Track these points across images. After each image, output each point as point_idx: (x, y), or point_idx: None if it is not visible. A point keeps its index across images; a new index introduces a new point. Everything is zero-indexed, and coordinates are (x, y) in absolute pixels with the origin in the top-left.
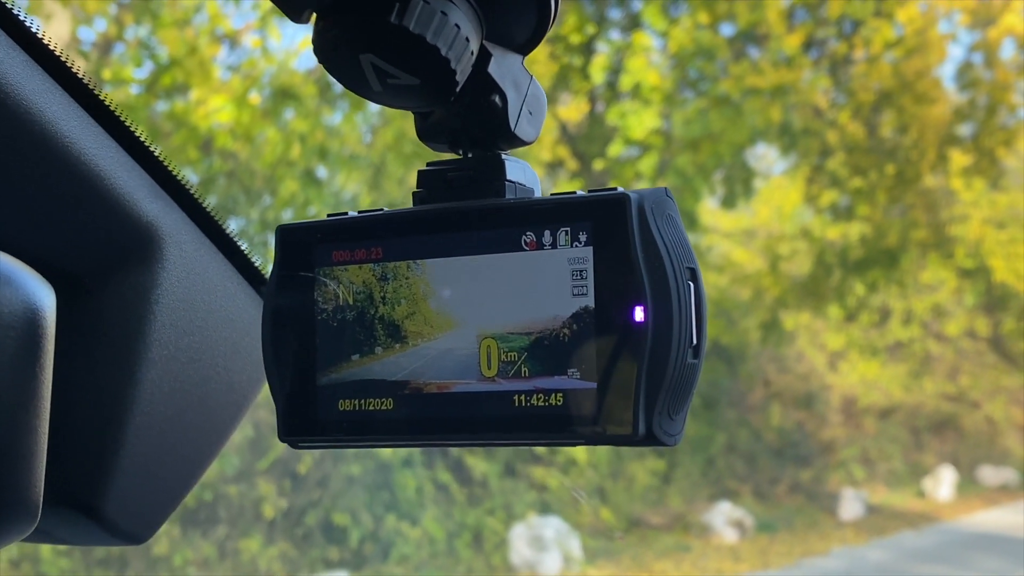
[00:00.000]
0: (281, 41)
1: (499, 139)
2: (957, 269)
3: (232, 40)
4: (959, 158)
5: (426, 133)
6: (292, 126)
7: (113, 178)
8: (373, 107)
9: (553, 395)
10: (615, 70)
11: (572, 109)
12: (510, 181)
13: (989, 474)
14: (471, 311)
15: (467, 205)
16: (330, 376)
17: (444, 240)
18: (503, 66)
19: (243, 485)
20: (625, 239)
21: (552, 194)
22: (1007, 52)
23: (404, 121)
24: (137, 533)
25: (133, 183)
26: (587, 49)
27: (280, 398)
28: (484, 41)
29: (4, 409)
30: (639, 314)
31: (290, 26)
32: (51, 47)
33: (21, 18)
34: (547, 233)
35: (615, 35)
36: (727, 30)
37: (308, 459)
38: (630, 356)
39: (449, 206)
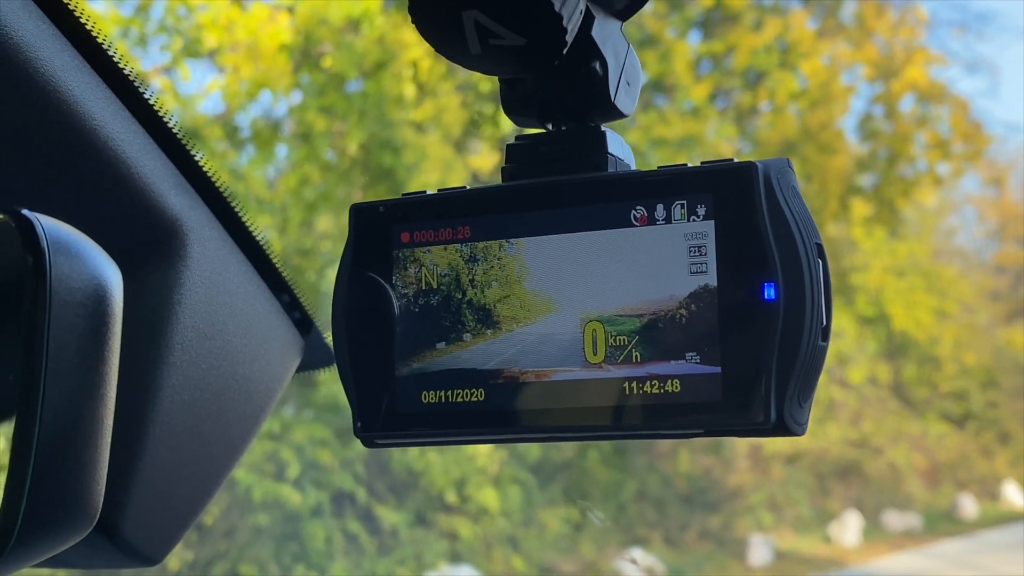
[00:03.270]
0: (190, 82)
1: (596, 110)
2: (858, 317)
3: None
4: (860, 207)
5: (513, 105)
6: None
7: (140, 167)
8: (280, 151)
9: (670, 381)
10: None
11: (483, 157)
12: (611, 155)
13: (894, 519)
14: (573, 293)
15: (568, 179)
16: (411, 366)
17: (541, 217)
18: (605, 31)
19: None
20: (752, 212)
21: (660, 166)
22: (907, 105)
23: (308, 166)
24: (152, 554)
25: (159, 173)
26: (496, 97)
27: (354, 392)
28: (587, 2)
29: (69, 393)
30: (769, 292)
31: (200, 69)
32: (83, 21)
33: None
34: (660, 207)
35: None
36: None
37: (215, 510)
38: (759, 338)
39: (548, 180)
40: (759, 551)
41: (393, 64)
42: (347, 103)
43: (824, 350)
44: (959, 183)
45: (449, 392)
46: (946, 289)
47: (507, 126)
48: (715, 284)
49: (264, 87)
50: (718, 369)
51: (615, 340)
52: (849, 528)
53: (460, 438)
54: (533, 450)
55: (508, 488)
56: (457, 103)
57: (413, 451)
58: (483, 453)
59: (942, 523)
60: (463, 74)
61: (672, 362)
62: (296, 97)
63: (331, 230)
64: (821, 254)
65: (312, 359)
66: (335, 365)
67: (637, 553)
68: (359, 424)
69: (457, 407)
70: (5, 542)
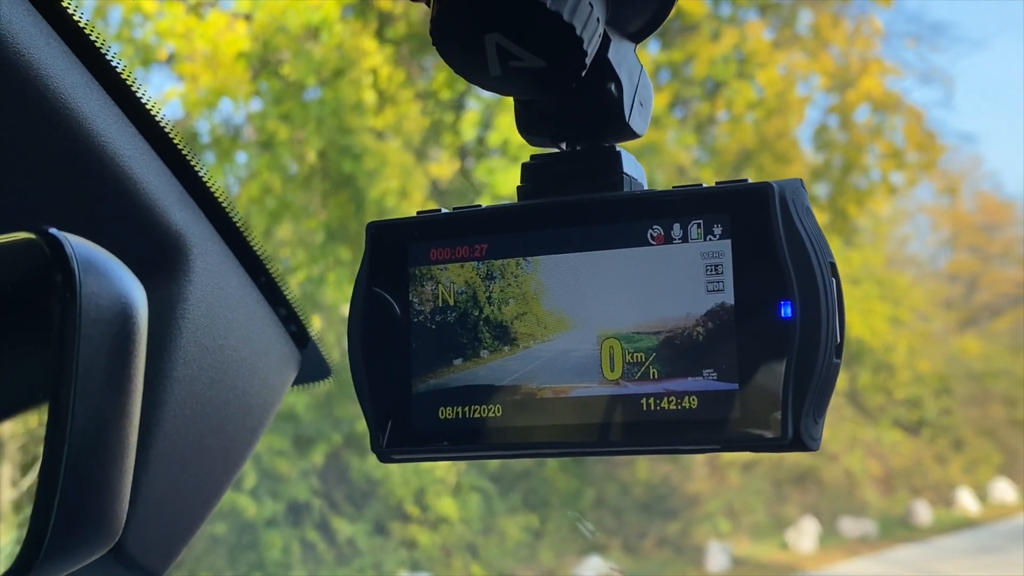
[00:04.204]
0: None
1: (610, 131)
2: None
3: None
4: (815, 217)
5: (528, 124)
6: None
7: (145, 182)
8: (240, 159)
9: (687, 398)
10: (484, 126)
11: (443, 165)
12: (627, 175)
13: (849, 525)
14: (590, 310)
15: (585, 198)
16: (428, 383)
17: (558, 235)
18: (620, 53)
19: None
20: (769, 232)
21: (675, 186)
22: (862, 115)
23: (269, 175)
24: (154, 568)
25: (164, 188)
26: (457, 105)
27: (370, 408)
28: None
29: (97, 411)
30: (786, 310)
31: (157, 76)
32: (93, 38)
33: (63, 4)
34: (676, 226)
35: (485, 92)
36: None
37: None
38: (776, 355)
39: (565, 199)
40: (716, 558)
41: (352, 71)
42: (306, 110)
43: (838, 367)
44: (913, 192)
45: (466, 408)
46: (900, 297)
47: (468, 134)
48: (732, 302)
49: (223, 95)
50: (735, 386)
51: (632, 357)
52: (805, 534)
53: (477, 454)
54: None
55: (467, 497)
56: (418, 110)
57: (372, 459)
58: (442, 463)
59: (897, 529)
60: (423, 81)
61: (690, 379)
62: (255, 105)
63: (290, 238)
64: (834, 272)
65: (308, 372)
66: (330, 378)
67: (595, 561)
68: (376, 440)
69: (474, 423)
70: (33, 558)
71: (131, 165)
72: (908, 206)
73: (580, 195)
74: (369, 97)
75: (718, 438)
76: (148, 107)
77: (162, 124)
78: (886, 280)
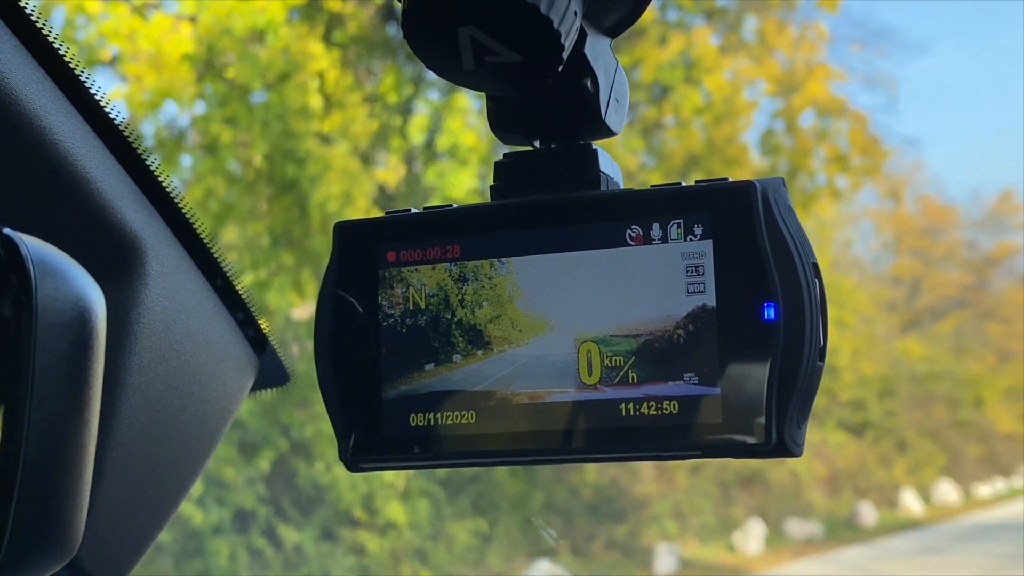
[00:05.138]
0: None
1: (586, 128)
2: None
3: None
4: None
5: (500, 122)
6: None
7: (99, 181)
8: (185, 162)
9: (667, 403)
10: (433, 130)
11: (390, 171)
12: (604, 173)
13: (795, 527)
14: (567, 313)
15: (562, 197)
16: (398, 388)
17: (534, 236)
18: (596, 48)
19: None
20: (752, 232)
21: (653, 185)
22: (808, 120)
23: (213, 178)
24: None
25: (119, 188)
26: (405, 109)
27: (338, 415)
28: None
29: (54, 419)
30: (769, 312)
31: (101, 77)
32: (45, 33)
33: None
34: (656, 226)
35: (434, 95)
36: None
37: None
38: (759, 358)
39: (540, 199)
40: (664, 560)
41: (298, 75)
42: (251, 114)
43: (821, 370)
44: (857, 196)
45: (438, 415)
46: (844, 300)
47: (416, 138)
48: (714, 304)
49: (167, 97)
50: (717, 390)
51: (611, 361)
52: (752, 536)
53: (449, 462)
54: None
55: (416, 501)
56: (365, 114)
57: (319, 466)
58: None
59: (842, 530)
60: (371, 85)
61: (670, 383)
62: (200, 107)
63: (236, 241)
64: (817, 274)
65: (266, 378)
66: (289, 384)
67: (544, 564)
68: (344, 447)
69: (446, 430)
70: None
71: (84, 164)
72: (852, 210)
73: (556, 194)
74: (315, 101)
75: (699, 444)
76: (101, 104)
77: (116, 121)
78: (830, 283)
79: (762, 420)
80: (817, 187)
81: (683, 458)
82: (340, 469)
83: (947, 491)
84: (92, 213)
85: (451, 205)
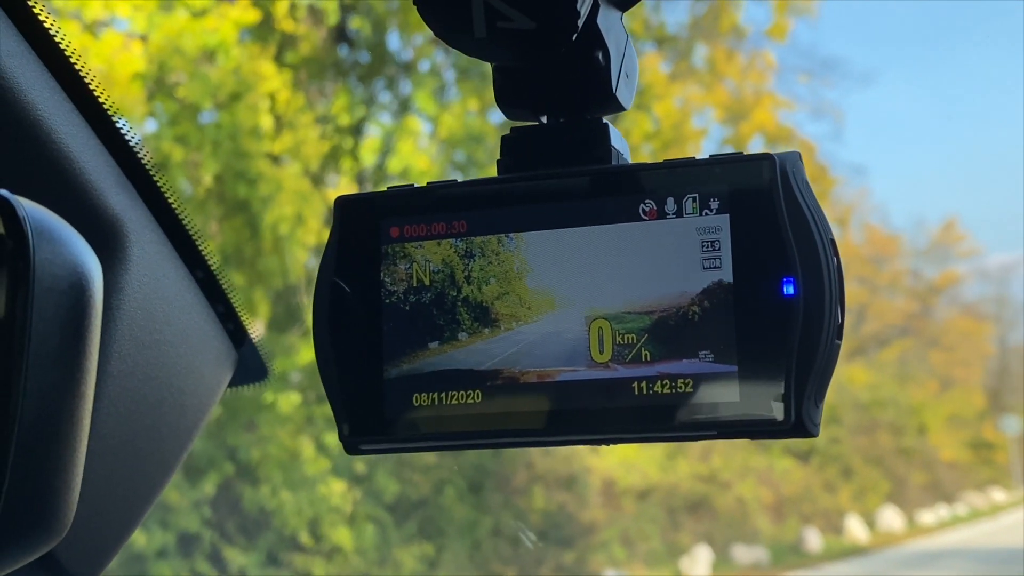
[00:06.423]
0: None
1: (596, 102)
2: None
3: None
4: None
5: (507, 95)
6: None
7: (82, 162)
8: None
9: (681, 381)
10: (384, 152)
11: (341, 191)
12: (614, 147)
13: (742, 552)
14: (577, 289)
15: (573, 171)
16: (401, 367)
17: (544, 211)
18: (608, 20)
19: None
20: (770, 205)
21: (666, 159)
22: (756, 147)
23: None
24: (84, 575)
25: (101, 170)
26: (356, 131)
27: (338, 395)
28: None
29: (50, 389)
30: (788, 288)
31: None
32: (33, 8)
33: None
34: (671, 200)
35: (385, 118)
36: (496, 117)
37: None
38: (778, 335)
39: (551, 172)
40: None
41: (249, 95)
42: (201, 133)
43: (838, 348)
44: None
45: (442, 394)
46: None
47: (368, 159)
48: (730, 280)
49: (117, 115)
50: (735, 368)
51: (623, 338)
52: (699, 562)
53: (454, 443)
54: (390, 487)
55: (363, 526)
56: (316, 136)
57: (264, 490)
58: (337, 492)
59: (788, 556)
60: (322, 106)
61: (685, 360)
62: (150, 126)
63: None
64: (835, 250)
65: (245, 373)
66: (266, 380)
67: None
68: (343, 429)
69: (451, 410)
70: None
71: (68, 143)
72: None
73: (567, 168)
74: (266, 121)
75: (715, 423)
76: (87, 81)
77: (102, 100)
78: None
79: (780, 399)
80: None
81: (698, 438)
82: (286, 493)
83: (891, 518)
84: (76, 196)
85: (456, 180)
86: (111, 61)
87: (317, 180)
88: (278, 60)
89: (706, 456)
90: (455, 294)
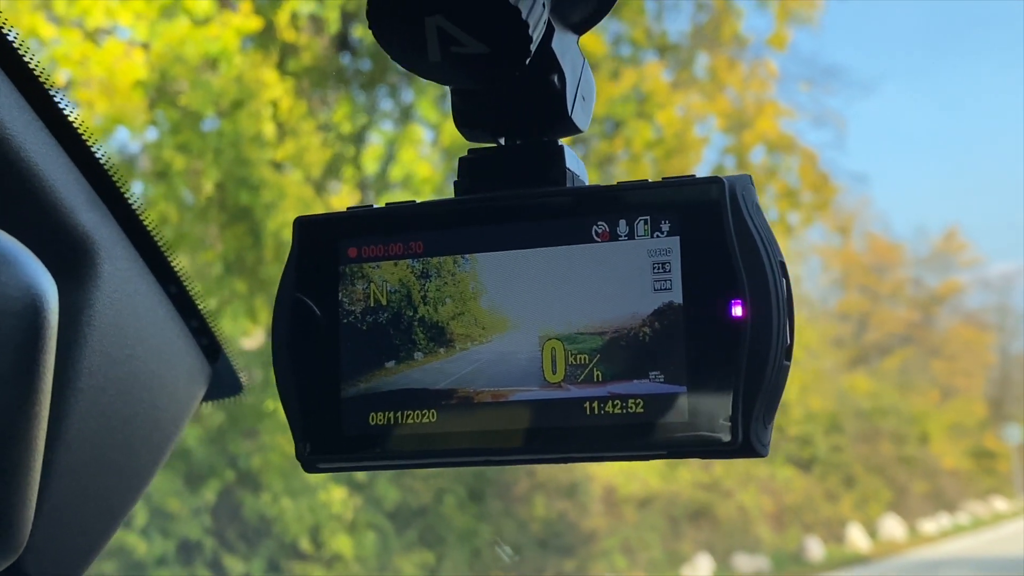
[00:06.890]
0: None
1: (552, 125)
2: None
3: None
4: None
5: (465, 117)
6: None
7: (51, 179)
8: (136, 189)
9: (632, 401)
10: (387, 160)
11: (343, 198)
12: (569, 170)
13: (743, 561)
14: (531, 310)
15: (528, 193)
16: (358, 386)
17: (499, 232)
18: (563, 44)
19: None
20: (720, 228)
21: (620, 182)
22: (758, 156)
23: (166, 205)
24: None
25: (72, 187)
26: (359, 139)
27: (296, 414)
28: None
29: (2, 411)
30: (736, 310)
31: None
32: None
33: None
34: (623, 223)
35: (387, 126)
36: None
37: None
38: (726, 356)
39: (505, 194)
40: None
41: (251, 103)
42: (203, 141)
43: (787, 369)
44: (805, 232)
45: (398, 413)
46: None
47: (370, 167)
48: (680, 301)
49: (119, 123)
50: (684, 388)
51: (575, 359)
52: (700, 571)
53: (409, 462)
54: (390, 495)
55: (363, 534)
56: (318, 143)
57: (265, 497)
58: (338, 500)
59: (790, 565)
60: (324, 114)
61: (635, 381)
62: (152, 134)
63: (187, 269)
64: (784, 272)
65: (219, 388)
66: (240, 395)
67: None
68: (301, 448)
69: (407, 429)
70: None
71: (37, 160)
72: (800, 246)
73: (522, 190)
74: (269, 129)
75: (665, 443)
76: (56, 100)
77: (71, 119)
78: None
79: (728, 419)
80: (769, 222)
81: (648, 458)
82: (287, 501)
83: (893, 526)
84: (43, 211)
85: (414, 201)
86: (113, 69)
87: (319, 188)
88: (280, 68)
89: (707, 464)
90: (411, 314)
